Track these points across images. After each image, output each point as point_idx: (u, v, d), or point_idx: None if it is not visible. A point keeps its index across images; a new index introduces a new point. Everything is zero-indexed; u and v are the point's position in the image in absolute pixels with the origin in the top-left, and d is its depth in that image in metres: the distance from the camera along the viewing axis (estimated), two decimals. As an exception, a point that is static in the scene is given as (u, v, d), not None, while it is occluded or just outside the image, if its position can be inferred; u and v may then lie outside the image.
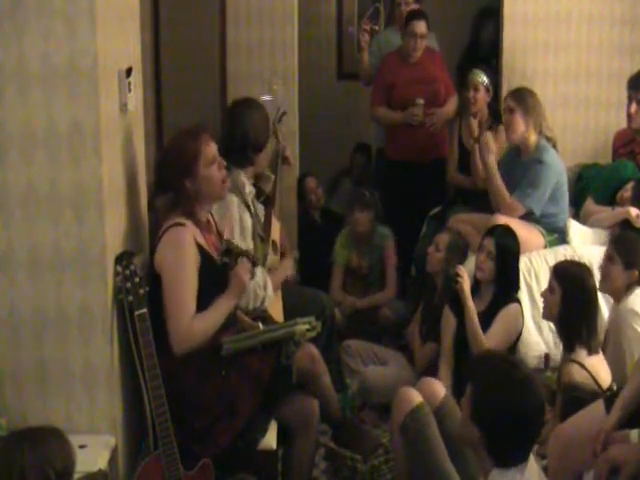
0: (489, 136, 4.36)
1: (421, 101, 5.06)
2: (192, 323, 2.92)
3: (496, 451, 2.33)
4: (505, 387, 2.31)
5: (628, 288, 3.35)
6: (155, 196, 3.25)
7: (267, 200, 3.98)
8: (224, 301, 3.03)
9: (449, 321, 3.79)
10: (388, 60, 5.28)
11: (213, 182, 3.08)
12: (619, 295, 3.37)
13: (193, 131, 3.09)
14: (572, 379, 3.06)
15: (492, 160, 4.26)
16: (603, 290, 3.42)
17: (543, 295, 3.34)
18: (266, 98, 4.58)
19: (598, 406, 2.79)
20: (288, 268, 3.94)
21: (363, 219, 4.90)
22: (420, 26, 5.07)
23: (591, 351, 3.15)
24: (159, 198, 3.19)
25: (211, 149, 3.08)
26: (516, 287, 3.82)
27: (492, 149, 4.29)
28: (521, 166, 4.29)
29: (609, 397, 2.80)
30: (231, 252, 3.11)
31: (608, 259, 3.38)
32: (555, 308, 3.21)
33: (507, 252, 3.73)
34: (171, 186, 3.06)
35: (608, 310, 4.05)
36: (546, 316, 3.35)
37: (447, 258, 4.01)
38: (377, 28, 5.72)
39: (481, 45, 5.80)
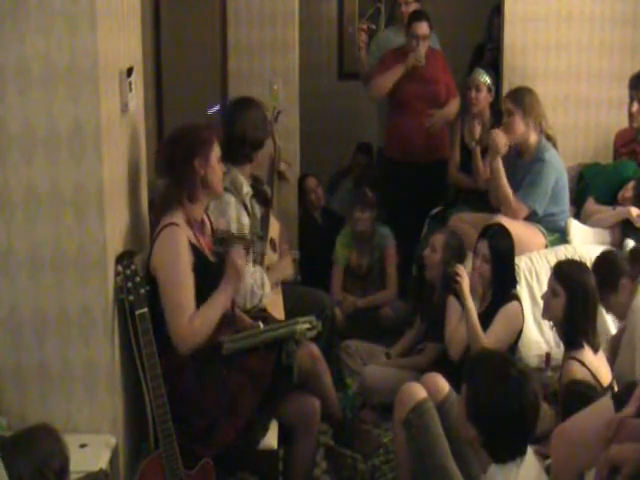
0: (498, 134, 4.22)
1: (422, 44, 5.03)
2: (192, 321, 2.92)
3: (492, 448, 2.35)
4: (497, 385, 2.32)
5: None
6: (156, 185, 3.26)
7: (265, 200, 3.99)
8: (221, 291, 3.02)
9: (455, 307, 3.76)
10: (389, 56, 5.26)
11: (218, 175, 3.13)
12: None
13: (206, 125, 3.17)
14: (573, 377, 3.06)
15: (499, 163, 4.22)
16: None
17: (544, 297, 3.32)
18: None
19: (605, 404, 2.74)
20: (287, 267, 3.94)
21: (364, 219, 4.91)
22: (422, 27, 5.06)
23: (594, 349, 3.16)
24: (159, 187, 3.20)
25: (219, 149, 3.14)
26: (514, 283, 3.82)
27: (500, 148, 4.19)
28: (523, 167, 4.28)
29: (618, 395, 2.76)
30: (225, 240, 3.13)
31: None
32: (559, 310, 3.20)
33: (502, 252, 3.72)
34: (177, 165, 3.05)
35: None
36: (547, 317, 3.34)
37: (444, 258, 4.01)
38: (374, 27, 5.71)
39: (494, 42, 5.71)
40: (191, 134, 3.10)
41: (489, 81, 4.88)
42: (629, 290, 3.42)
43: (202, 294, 2.99)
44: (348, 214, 5.10)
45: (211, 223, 3.31)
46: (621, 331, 3.50)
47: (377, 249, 4.98)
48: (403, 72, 5.08)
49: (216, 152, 3.12)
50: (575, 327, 3.16)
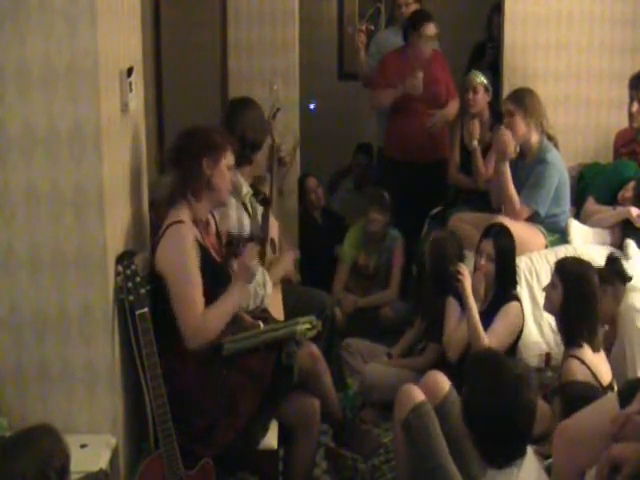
0: (507, 135, 4.13)
1: (420, 73, 5.01)
2: (203, 317, 2.93)
3: (487, 452, 2.33)
4: (491, 389, 2.31)
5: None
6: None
7: (265, 199, 3.99)
8: (233, 289, 3.04)
9: (454, 308, 3.77)
10: (389, 58, 5.26)
11: (226, 182, 3.13)
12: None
13: (222, 131, 3.20)
14: (572, 376, 3.06)
15: (506, 166, 4.17)
16: None
17: (545, 290, 3.36)
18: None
19: (608, 402, 2.73)
20: (287, 264, 3.94)
21: (379, 220, 4.92)
22: (430, 28, 5.07)
23: (594, 349, 3.16)
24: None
25: (232, 158, 3.15)
26: (514, 284, 3.83)
27: (509, 152, 4.12)
28: (524, 168, 4.27)
29: (622, 392, 2.75)
30: (236, 241, 3.15)
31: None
32: (556, 303, 3.24)
33: (505, 252, 3.73)
34: (185, 159, 3.06)
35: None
36: (547, 309, 3.38)
37: (435, 255, 4.02)
38: (373, 28, 5.70)
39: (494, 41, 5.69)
40: (205, 134, 3.11)
41: (485, 81, 4.88)
42: (610, 296, 3.44)
43: (208, 293, 2.99)
44: (361, 213, 5.09)
45: (216, 223, 3.31)
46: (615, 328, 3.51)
47: (386, 251, 4.99)
48: (402, 92, 5.04)
49: (227, 160, 3.12)
50: (571, 321, 3.17)
